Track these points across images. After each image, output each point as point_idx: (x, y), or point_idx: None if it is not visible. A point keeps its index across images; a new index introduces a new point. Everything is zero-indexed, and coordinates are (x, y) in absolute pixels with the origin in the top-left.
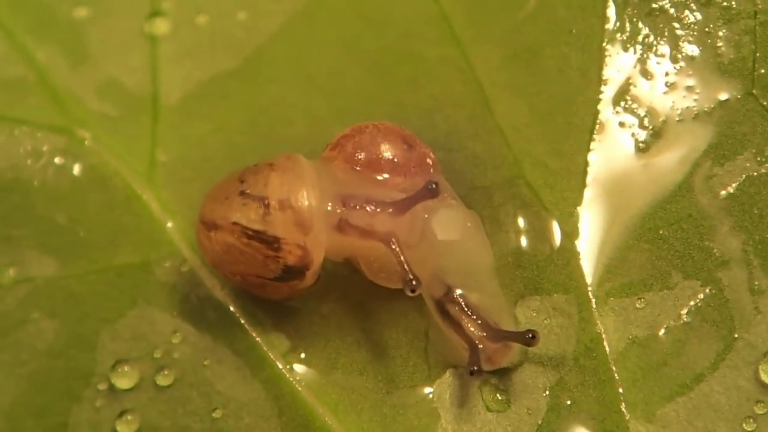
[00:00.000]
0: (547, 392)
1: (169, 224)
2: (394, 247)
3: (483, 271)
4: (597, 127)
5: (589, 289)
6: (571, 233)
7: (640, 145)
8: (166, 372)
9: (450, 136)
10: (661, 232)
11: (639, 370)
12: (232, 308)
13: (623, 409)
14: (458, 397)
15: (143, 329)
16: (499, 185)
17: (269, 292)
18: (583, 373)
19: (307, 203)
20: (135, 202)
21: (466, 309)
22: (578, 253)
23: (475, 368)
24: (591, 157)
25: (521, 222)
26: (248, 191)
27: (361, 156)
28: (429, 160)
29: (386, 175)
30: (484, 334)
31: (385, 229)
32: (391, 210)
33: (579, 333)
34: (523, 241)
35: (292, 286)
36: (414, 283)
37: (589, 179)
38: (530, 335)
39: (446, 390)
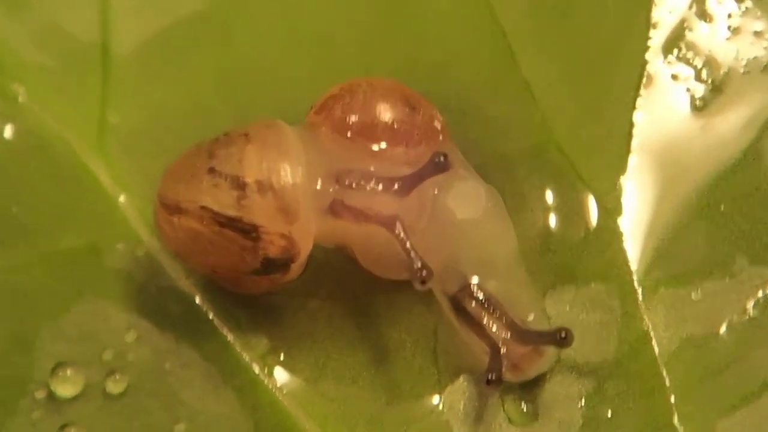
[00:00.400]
0: (583, 402)
1: (122, 200)
2: (398, 232)
3: (506, 259)
4: (644, 81)
5: (635, 277)
6: (612, 210)
7: (697, 102)
8: (117, 377)
9: (464, 95)
10: (722, 208)
11: (695, 375)
12: (198, 301)
13: (675, 423)
14: (474, 409)
15: (91, 326)
16: (524, 153)
17: (245, 287)
18: (626, 379)
19: (291, 183)
20: (81, 173)
21: (486, 304)
22: (621, 234)
23: (493, 376)
24: (637, 117)
25: (551, 197)
26: (219, 168)
27: (353, 120)
28: (437, 124)
29: (384, 145)
30: (509, 335)
31: (388, 211)
32: (395, 188)
33: (622, 331)
34: (554, 220)
35: (274, 280)
36: (424, 273)
37: (634, 144)
38: (562, 334)
39: (459, 400)
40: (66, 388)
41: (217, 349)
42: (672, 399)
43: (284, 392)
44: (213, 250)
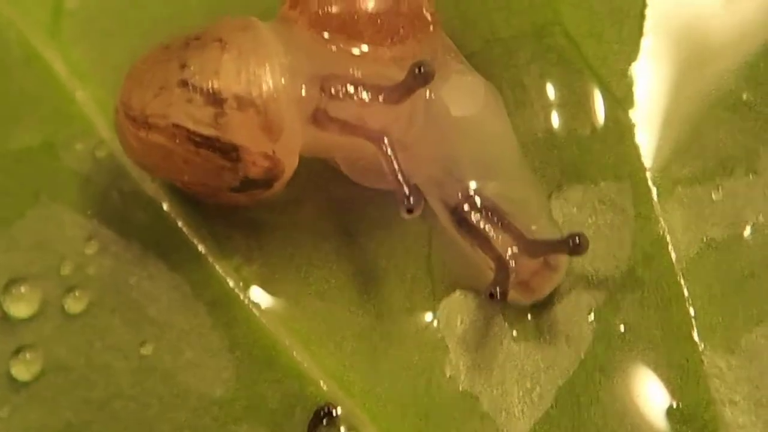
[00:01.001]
0: (593, 315)
1: (81, 93)
2: (385, 149)
3: (509, 160)
4: None
5: (649, 174)
6: (623, 99)
7: None
8: (77, 293)
9: None
10: (745, 97)
11: (717, 283)
12: (166, 207)
13: (695, 337)
14: (473, 323)
15: (47, 235)
16: (525, 37)
17: (221, 200)
18: (640, 288)
19: (275, 96)
20: (35, 63)
21: (490, 215)
22: (633, 126)
23: (497, 289)
24: None
25: (556, 86)
26: (192, 81)
27: (332, 14)
28: (426, 14)
29: (366, 46)
30: (516, 248)
31: (376, 124)
32: (380, 98)
33: (635, 234)
34: (559, 113)
35: (253, 196)
36: (412, 200)
37: (647, 25)
38: (576, 240)
39: (456, 314)
40: (20, 307)
41: (187, 260)
42: (691, 311)
43: (262, 307)
44: (186, 167)
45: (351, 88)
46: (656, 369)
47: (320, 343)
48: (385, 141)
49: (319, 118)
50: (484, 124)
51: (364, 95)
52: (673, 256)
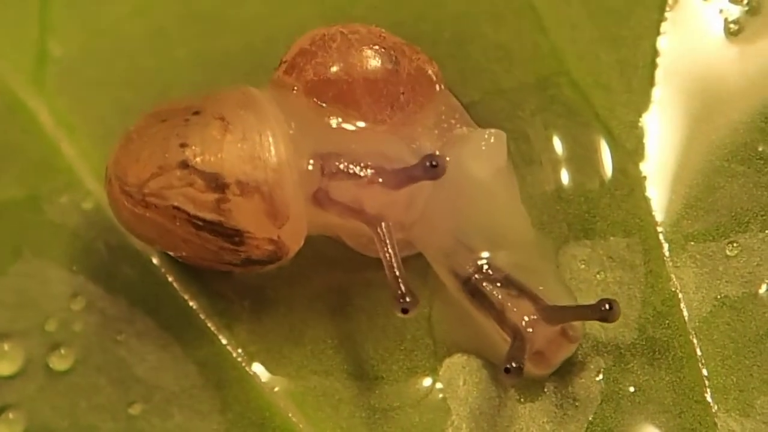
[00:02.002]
0: (601, 376)
1: (65, 144)
2: (382, 235)
3: (521, 226)
4: (670, 1)
5: (660, 229)
6: (633, 151)
7: (731, 26)
8: (62, 351)
9: (460, 22)
10: (760, 148)
11: (731, 343)
12: (155, 261)
13: (708, 399)
14: (476, 384)
15: (31, 292)
16: (531, 86)
17: (219, 269)
18: (651, 348)
19: (280, 182)
20: (18, 112)
21: (504, 283)
22: (644, 180)
23: (513, 365)
24: (661, 43)
25: (562, 138)
26: (194, 164)
27: (328, 77)
28: (430, 73)
29: (362, 122)
30: (535, 316)
31: (374, 208)
32: (380, 181)
33: (646, 292)
34: (567, 165)
35: (253, 270)
36: (408, 300)
37: (658, 75)
38: (607, 306)
39: (459, 374)
40: (3, 365)
41: (177, 316)
42: (704, 371)
43: (256, 367)
44: (185, 245)
45: (350, 169)
46: None
47: (316, 406)
48: (383, 226)
49: (320, 199)
50: (497, 190)
51: (363, 176)
52: (686, 314)
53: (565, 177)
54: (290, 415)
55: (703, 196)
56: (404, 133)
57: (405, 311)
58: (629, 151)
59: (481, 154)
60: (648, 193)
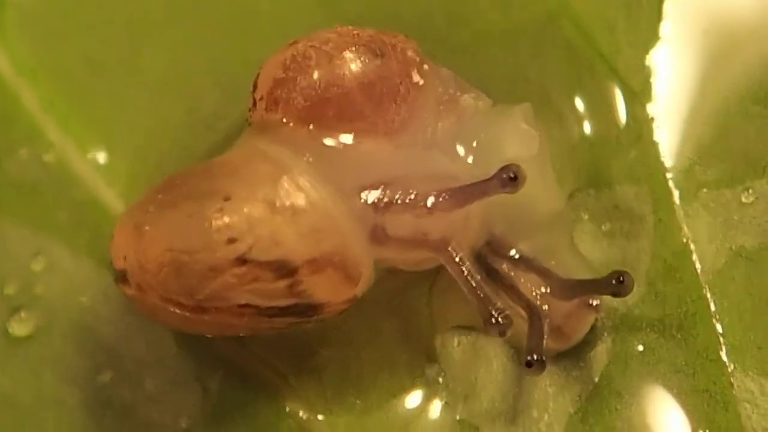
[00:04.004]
0: (608, 335)
1: (27, 94)
2: (452, 256)
3: (551, 201)
4: None
5: (670, 176)
6: (640, 93)
7: None
8: (23, 315)
9: None
10: None
11: (747, 297)
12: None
13: (723, 357)
14: (471, 345)
15: None
16: (529, 26)
17: None
18: (661, 304)
19: (346, 241)
20: None
21: (518, 260)
22: (652, 124)
23: (535, 357)
24: None
25: (563, 79)
26: (252, 257)
27: (322, 96)
28: (411, 52)
29: (375, 135)
30: (548, 289)
31: (438, 233)
32: (445, 201)
33: (655, 244)
34: (570, 110)
35: None
36: (501, 322)
37: (667, 10)
38: (619, 278)
39: (453, 336)
40: None
41: None
42: (718, 328)
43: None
44: (249, 330)
45: (405, 198)
46: (679, 394)
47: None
48: (450, 249)
49: (379, 237)
50: (533, 172)
51: (422, 203)
52: (698, 267)
53: (567, 123)
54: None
55: (716, 140)
56: (416, 127)
57: (503, 334)
58: (636, 92)
59: (515, 138)
60: (657, 138)
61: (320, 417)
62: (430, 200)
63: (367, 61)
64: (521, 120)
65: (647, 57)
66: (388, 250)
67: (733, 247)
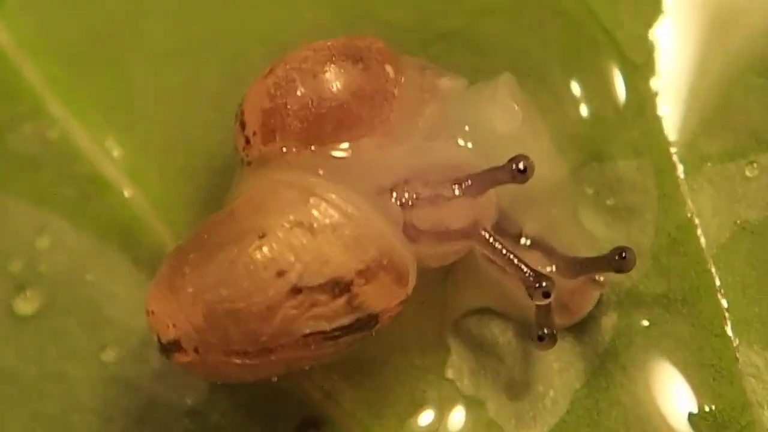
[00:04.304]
0: (612, 310)
1: (29, 68)
2: (485, 239)
3: (552, 170)
4: None
5: (674, 150)
6: (643, 67)
7: None
8: (28, 294)
9: None
10: None
11: (752, 270)
12: (127, 193)
13: (728, 332)
14: (477, 321)
15: None
16: (530, 1)
17: None
18: (666, 278)
19: (387, 239)
20: None
21: (523, 239)
22: (655, 96)
23: (546, 331)
24: None
25: (564, 54)
26: (305, 284)
27: (319, 113)
28: (387, 52)
29: (374, 137)
30: (553, 268)
31: (466, 220)
32: (464, 190)
33: (659, 217)
34: (571, 85)
35: None
36: (544, 284)
37: None
38: (622, 254)
39: (463, 320)
40: None
41: (153, 252)
42: (723, 302)
43: None
44: (313, 361)
45: (425, 191)
46: (684, 369)
47: None
48: (482, 232)
49: (411, 235)
50: (526, 140)
51: (442, 195)
52: (703, 241)
53: (569, 97)
54: None
55: (720, 113)
56: (409, 119)
57: (547, 295)
58: (639, 66)
59: (497, 113)
60: (660, 111)
61: (327, 390)
62: (452, 190)
63: (350, 68)
64: (499, 94)
65: (649, 30)
66: (422, 246)
67: (738, 221)
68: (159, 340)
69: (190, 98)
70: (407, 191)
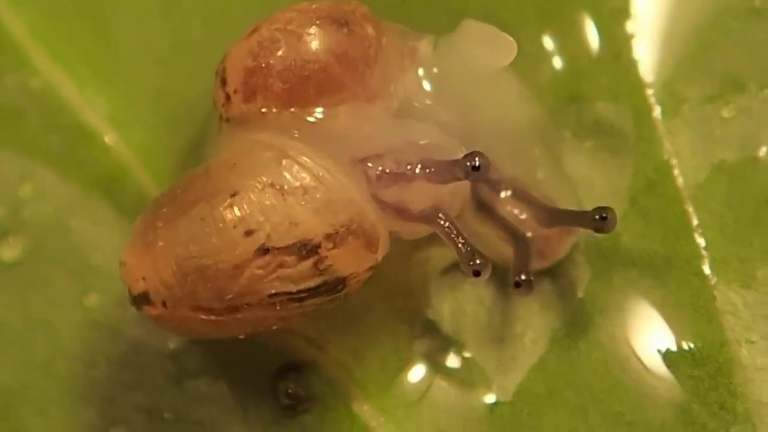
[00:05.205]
0: (590, 251)
1: (9, 16)
2: (441, 224)
3: (526, 111)
4: None
5: (651, 92)
6: (619, 10)
7: None
8: (10, 240)
9: None
10: (757, 3)
11: (729, 211)
12: (110, 140)
13: (706, 271)
14: (457, 264)
15: None
16: None
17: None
18: (644, 219)
19: (359, 207)
20: None
21: (502, 187)
22: (630, 39)
23: (522, 278)
24: None
25: (544, 1)
26: (273, 244)
27: (302, 75)
28: (370, 17)
29: (355, 102)
30: (532, 216)
31: (425, 201)
32: (425, 173)
33: (637, 159)
34: (547, 29)
35: None
36: (478, 262)
37: None
38: (602, 215)
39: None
40: None
41: (136, 200)
42: (701, 242)
43: None
44: (280, 321)
45: (392, 169)
46: (663, 308)
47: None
48: (440, 217)
49: (379, 205)
50: (506, 85)
51: (407, 174)
52: (680, 182)
53: (545, 41)
54: None
55: (696, 55)
56: (390, 85)
57: (477, 275)
58: (614, 9)
59: (487, 51)
60: (636, 55)
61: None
62: (416, 172)
63: (334, 31)
64: (483, 32)
65: None
66: (388, 220)
67: (715, 162)
68: (130, 292)
69: (173, 49)
70: (379, 165)
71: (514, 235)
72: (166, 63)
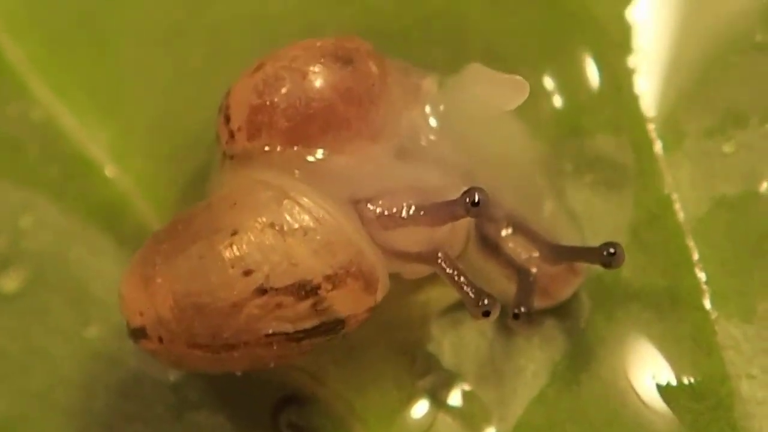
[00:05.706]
0: (591, 284)
1: (11, 48)
2: (442, 265)
3: (526, 161)
4: None
5: (652, 126)
6: (621, 45)
7: None
8: (11, 271)
9: None
10: (759, 38)
11: (730, 245)
12: (110, 172)
13: (707, 305)
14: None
15: None
16: None
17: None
18: (645, 252)
19: (358, 247)
20: None
21: (506, 223)
22: (632, 74)
23: (522, 310)
24: None
25: (542, 31)
26: (272, 285)
27: (307, 113)
28: (374, 54)
29: (359, 141)
30: (537, 254)
31: (423, 244)
32: (422, 217)
33: (638, 193)
34: (548, 62)
35: None
36: (486, 302)
37: None
38: (610, 250)
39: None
40: None
41: (136, 230)
42: (702, 276)
43: None
44: (278, 359)
45: (389, 212)
46: (663, 342)
47: None
48: (440, 257)
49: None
50: (509, 122)
51: (405, 218)
52: (681, 216)
53: (546, 76)
54: None
55: (698, 90)
56: (393, 123)
57: (487, 315)
58: (617, 43)
59: (498, 93)
60: (637, 89)
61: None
62: (412, 217)
63: (339, 69)
64: (492, 74)
65: (627, 7)
66: (388, 260)
67: (716, 196)
68: (127, 325)
69: (174, 79)
70: (378, 207)
71: (519, 272)
72: (167, 93)
